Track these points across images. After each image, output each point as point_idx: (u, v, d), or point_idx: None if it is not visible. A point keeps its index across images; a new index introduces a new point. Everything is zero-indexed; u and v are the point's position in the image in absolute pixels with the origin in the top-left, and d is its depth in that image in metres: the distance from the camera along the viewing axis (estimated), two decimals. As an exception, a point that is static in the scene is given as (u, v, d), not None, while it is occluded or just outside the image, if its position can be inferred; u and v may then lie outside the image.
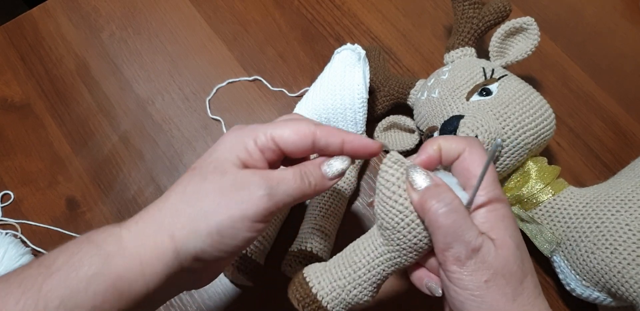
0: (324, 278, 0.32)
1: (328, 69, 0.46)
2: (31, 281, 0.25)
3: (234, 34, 0.55)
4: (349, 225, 0.46)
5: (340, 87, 0.44)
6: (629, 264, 0.34)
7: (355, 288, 0.31)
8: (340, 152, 0.31)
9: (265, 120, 0.51)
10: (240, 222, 0.27)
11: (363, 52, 0.44)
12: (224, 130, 0.51)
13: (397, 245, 0.29)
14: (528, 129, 0.38)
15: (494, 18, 0.44)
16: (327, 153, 0.31)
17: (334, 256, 0.33)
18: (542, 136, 0.39)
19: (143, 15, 0.56)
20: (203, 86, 0.53)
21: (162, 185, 0.49)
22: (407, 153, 0.48)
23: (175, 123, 0.51)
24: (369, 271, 0.31)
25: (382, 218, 0.29)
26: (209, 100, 0.52)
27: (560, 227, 0.39)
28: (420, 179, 0.28)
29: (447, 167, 0.30)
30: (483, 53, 0.46)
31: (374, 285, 0.32)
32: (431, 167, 0.29)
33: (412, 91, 0.47)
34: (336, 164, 0.31)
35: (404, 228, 0.28)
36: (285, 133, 0.29)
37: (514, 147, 0.38)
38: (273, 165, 0.31)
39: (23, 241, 0.47)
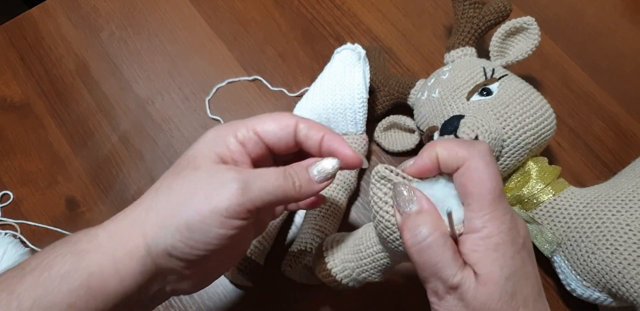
0: (337, 256, 0.35)
1: (328, 68, 0.46)
2: (5, 283, 0.25)
3: (234, 33, 0.55)
4: (349, 225, 0.46)
5: (340, 87, 0.44)
6: (629, 264, 0.34)
7: (363, 272, 0.34)
8: (318, 148, 0.30)
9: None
10: (210, 217, 0.26)
11: (363, 52, 0.44)
12: (224, 130, 0.51)
13: (393, 253, 0.31)
14: (528, 129, 0.38)
15: (494, 18, 0.44)
16: (306, 147, 0.31)
17: (348, 236, 0.36)
18: (542, 136, 0.39)
19: (143, 15, 0.56)
20: (203, 86, 0.53)
21: (161, 185, 0.49)
22: (407, 154, 0.48)
23: (175, 123, 0.51)
24: (373, 261, 0.33)
25: (375, 227, 0.29)
26: (209, 100, 0.52)
27: (560, 227, 0.38)
28: (403, 201, 0.26)
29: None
30: (483, 53, 0.46)
31: (380, 269, 0.34)
32: (425, 176, 0.28)
33: (412, 91, 0.47)
34: (324, 165, 0.29)
35: (393, 242, 0.29)
36: (267, 123, 0.30)
37: (514, 147, 0.38)
38: (260, 162, 0.30)
39: (22, 242, 0.46)
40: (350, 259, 0.34)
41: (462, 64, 0.43)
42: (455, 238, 0.26)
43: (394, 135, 0.49)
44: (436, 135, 0.41)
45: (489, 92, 0.40)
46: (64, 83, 0.53)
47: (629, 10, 0.55)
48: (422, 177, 0.28)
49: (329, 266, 0.35)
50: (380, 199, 0.28)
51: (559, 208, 0.39)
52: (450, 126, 0.38)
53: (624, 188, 0.38)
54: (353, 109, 0.44)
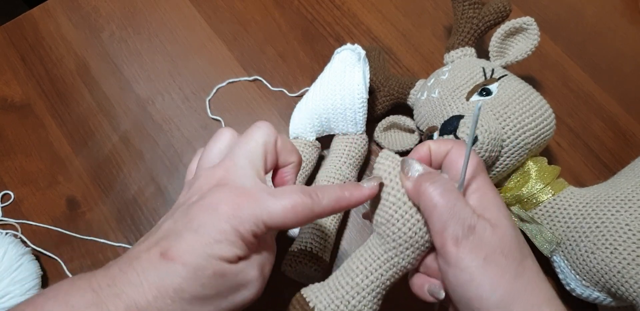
0: (322, 291, 0.31)
1: (328, 69, 0.46)
2: None
3: (234, 34, 0.55)
4: (349, 225, 0.46)
5: (340, 87, 0.44)
6: (628, 264, 0.34)
7: (354, 298, 0.30)
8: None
9: (264, 120, 0.51)
10: None
11: (363, 52, 0.44)
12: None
13: (394, 240, 0.29)
14: (528, 129, 0.38)
15: (494, 18, 0.44)
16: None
17: (333, 273, 0.32)
18: (542, 136, 0.39)
19: (143, 15, 0.56)
20: (203, 86, 0.53)
21: (162, 185, 0.49)
22: (407, 154, 0.48)
23: (175, 123, 0.51)
24: (367, 277, 0.30)
25: (377, 215, 0.29)
26: (209, 100, 0.52)
27: (560, 227, 0.39)
28: (414, 167, 0.28)
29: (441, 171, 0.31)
30: (483, 53, 0.46)
31: (374, 294, 0.30)
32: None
33: (412, 91, 0.47)
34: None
35: (398, 220, 0.29)
36: (279, 215, 0.26)
37: (514, 147, 0.38)
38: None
39: (23, 241, 0.47)
40: (339, 286, 0.30)
41: (461, 64, 0.43)
42: None
43: (394, 135, 0.49)
44: (436, 135, 0.41)
45: (488, 92, 0.40)
46: (65, 83, 0.53)
47: (628, 10, 0.55)
48: None
49: (311, 304, 0.30)
50: (386, 178, 0.29)
51: (559, 208, 0.39)
52: (450, 126, 0.38)
53: (623, 188, 0.38)
54: (353, 109, 0.44)
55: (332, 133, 0.47)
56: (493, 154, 0.37)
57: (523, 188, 0.40)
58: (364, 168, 0.49)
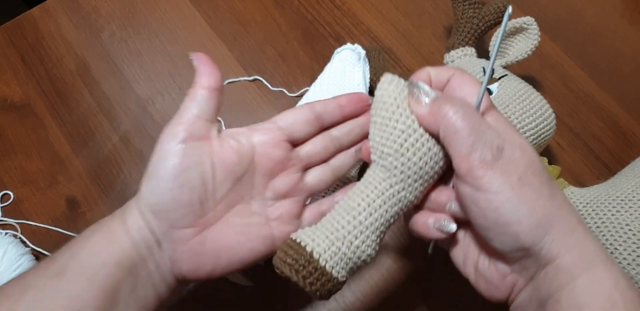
0: (319, 234, 0.28)
1: (328, 69, 0.46)
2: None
3: (234, 34, 0.55)
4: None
5: (340, 87, 0.44)
6: (629, 264, 0.34)
7: (357, 238, 0.27)
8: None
9: (264, 120, 0.51)
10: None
11: (363, 52, 0.44)
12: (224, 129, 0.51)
13: (402, 172, 0.27)
14: (528, 129, 0.38)
15: (494, 18, 0.44)
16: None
17: (325, 216, 0.29)
18: (542, 136, 0.39)
19: (143, 15, 0.56)
20: (203, 86, 0.53)
21: (162, 185, 0.49)
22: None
23: (175, 123, 0.51)
24: (371, 215, 0.27)
25: (382, 145, 0.27)
26: (209, 100, 0.52)
27: (560, 227, 0.39)
28: (426, 91, 0.27)
29: None
30: (483, 53, 0.46)
31: (378, 233, 0.28)
32: None
33: (412, 91, 0.47)
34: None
35: (408, 150, 0.26)
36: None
37: (514, 147, 0.38)
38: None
39: (23, 242, 0.46)
40: (339, 226, 0.27)
41: (461, 64, 0.43)
42: None
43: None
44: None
45: (488, 92, 0.40)
46: (65, 83, 0.53)
47: (628, 11, 0.55)
48: None
49: (307, 248, 0.27)
50: (392, 104, 0.27)
51: (559, 208, 0.39)
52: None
53: (623, 188, 0.38)
54: (353, 109, 0.44)
55: (332, 133, 0.47)
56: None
57: (523, 188, 0.40)
58: (363, 169, 0.49)
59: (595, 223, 0.36)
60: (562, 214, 0.24)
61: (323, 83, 0.45)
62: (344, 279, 0.28)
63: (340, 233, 0.27)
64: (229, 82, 0.53)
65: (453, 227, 0.27)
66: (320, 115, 0.32)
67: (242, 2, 0.56)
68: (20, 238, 0.47)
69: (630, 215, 0.35)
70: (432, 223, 0.28)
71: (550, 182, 0.25)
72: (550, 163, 0.42)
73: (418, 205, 0.29)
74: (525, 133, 0.38)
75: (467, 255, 0.29)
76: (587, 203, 0.38)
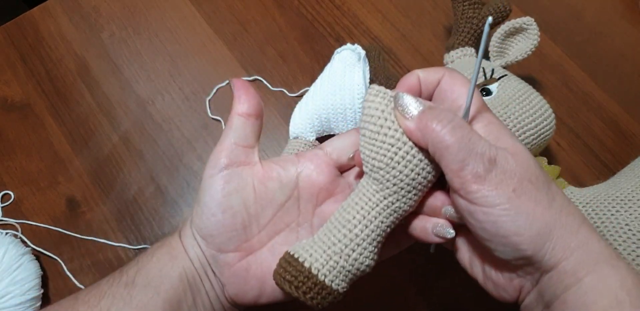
0: (316, 249, 0.28)
1: (328, 69, 0.46)
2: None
3: (234, 34, 0.55)
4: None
5: (340, 87, 0.44)
6: (629, 264, 0.34)
7: (354, 250, 0.27)
8: None
9: (265, 120, 0.51)
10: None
11: (363, 52, 0.44)
12: (224, 130, 0.51)
13: (394, 185, 0.27)
14: (528, 129, 0.38)
15: (494, 18, 0.44)
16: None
17: (320, 229, 0.29)
18: (542, 136, 0.39)
19: (143, 15, 0.56)
20: (203, 86, 0.53)
21: (162, 185, 0.49)
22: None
23: (175, 123, 0.51)
24: (367, 227, 0.27)
25: (373, 159, 0.27)
26: (209, 100, 0.52)
27: (560, 227, 0.39)
28: (412, 104, 0.26)
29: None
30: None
31: (375, 243, 0.28)
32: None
33: (412, 91, 0.47)
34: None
35: (399, 163, 0.26)
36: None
37: (513, 147, 0.38)
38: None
39: (23, 241, 0.47)
40: (335, 240, 0.28)
41: (461, 64, 0.43)
42: None
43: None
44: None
45: (488, 92, 0.40)
46: (65, 83, 0.53)
47: (628, 11, 0.55)
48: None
49: (306, 264, 0.27)
50: (380, 117, 0.26)
51: (559, 208, 0.39)
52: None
53: (623, 188, 0.38)
54: (353, 109, 0.44)
55: (332, 133, 0.47)
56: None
57: (523, 188, 0.40)
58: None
59: (595, 223, 0.36)
60: (562, 218, 0.24)
61: (323, 84, 0.45)
62: (345, 290, 0.28)
63: (337, 247, 0.27)
64: (229, 82, 0.53)
65: (451, 232, 0.27)
66: None
67: (242, 2, 0.56)
68: (20, 238, 0.47)
69: (630, 215, 0.35)
70: (430, 228, 0.28)
71: (548, 186, 0.25)
72: (550, 163, 0.42)
73: (415, 211, 0.29)
74: (525, 133, 0.38)
75: (472, 258, 0.28)
76: (587, 203, 0.38)
